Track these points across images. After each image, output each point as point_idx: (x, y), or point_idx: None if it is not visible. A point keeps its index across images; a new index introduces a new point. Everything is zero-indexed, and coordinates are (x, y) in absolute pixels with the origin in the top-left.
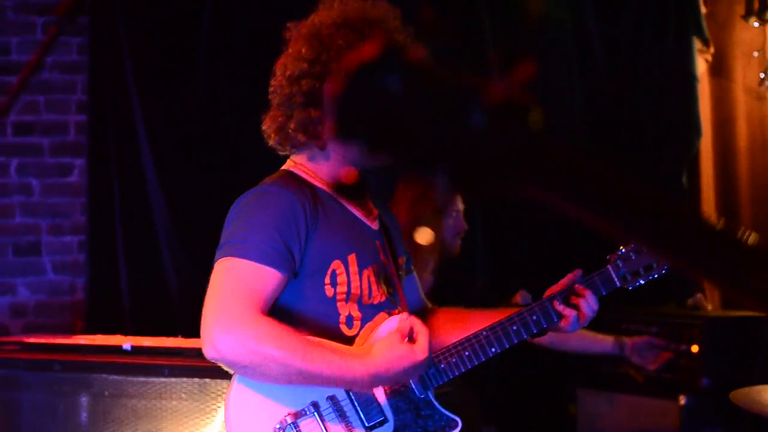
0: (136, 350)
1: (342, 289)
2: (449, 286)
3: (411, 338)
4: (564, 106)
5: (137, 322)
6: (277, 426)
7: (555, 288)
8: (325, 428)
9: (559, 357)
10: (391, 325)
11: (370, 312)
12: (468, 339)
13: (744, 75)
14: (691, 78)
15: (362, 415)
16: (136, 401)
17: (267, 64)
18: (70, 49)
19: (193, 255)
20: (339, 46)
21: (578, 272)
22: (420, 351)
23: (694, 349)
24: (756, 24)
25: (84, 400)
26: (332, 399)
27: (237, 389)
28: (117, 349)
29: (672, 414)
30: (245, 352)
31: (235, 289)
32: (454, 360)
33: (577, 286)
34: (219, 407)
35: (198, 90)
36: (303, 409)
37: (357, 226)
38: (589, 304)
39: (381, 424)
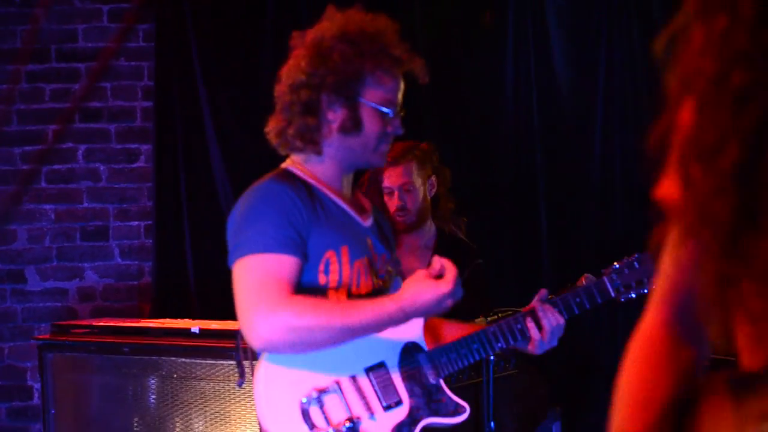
0: (204, 333)
1: (334, 277)
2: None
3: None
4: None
5: (204, 306)
6: (304, 400)
7: (527, 307)
8: (347, 404)
9: (623, 336)
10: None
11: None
12: (477, 333)
13: None
14: None
15: (380, 395)
16: (205, 384)
17: None
18: (136, 35)
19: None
20: (335, 60)
21: (544, 291)
22: (445, 283)
23: None
24: None
25: (152, 382)
26: (353, 378)
27: (266, 368)
28: (185, 332)
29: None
30: (290, 332)
31: (262, 281)
32: (464, 351)
33: (543, 304)
34: None
35: (264, 75)
36: (327, 386)
37: (350, 220)
38: (549, 320)
39: (397, 404)
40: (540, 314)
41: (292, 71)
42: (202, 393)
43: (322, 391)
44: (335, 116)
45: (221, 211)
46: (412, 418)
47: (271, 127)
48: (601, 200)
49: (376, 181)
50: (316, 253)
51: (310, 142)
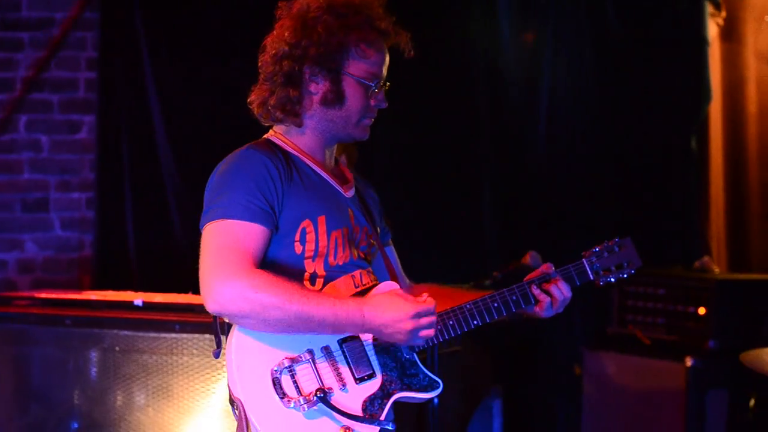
0: (148, 306)
1: (310, 247)
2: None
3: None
4: (575, 71)
5: (144, 279)
6: (275, 368)
7: (532, 275)
8: (318, 374)
9: (567, 318)
10: (388, 288)
11: (335, 271)
12: (453, 309)
13: (755, 39)
14: (702, 42)
15: (352, 367)
16: (147, 357)
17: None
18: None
19: (201, 212)
20: (319, 32)
21: (550, 265)
22: (413, 306)
23: (701, 311)
24: None
25: (94, 355)
26: (326, 349)
27: (238, 336)
28: (128, 305)
29: (678, 375)
30: (245, 302)
31: (228, 246)
32: (439, 327)
33: (551, 274)
34: None
35: (209, 46)
36: (299, 355)
37: (329, 190)
38: (561, 290)
39: (369, 377)
40: (548, 284)
41: (275, 41)
42: (144, 366)
43: (294, 361)
44: (317, 88)
45: (163, 184)
46: (384, 392)
47: (254, 98)
48: (545, 178)
49: None
50: (292, 222)
51: (291, 113)
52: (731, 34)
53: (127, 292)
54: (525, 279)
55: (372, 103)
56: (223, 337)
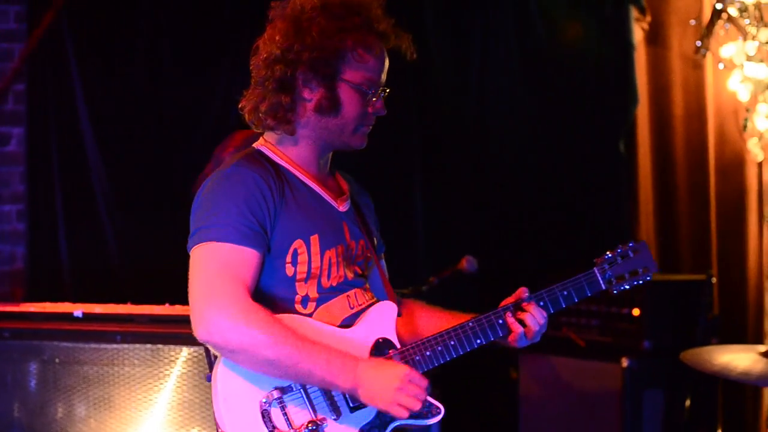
0: (87, 317)
1: (302, 269)
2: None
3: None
4: (503, 75)
5: (79, 291)
6: (264, 400)
7: (507, 301)
8: (311, 404)
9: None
10: (384, 309)
11: (328, 293)
12: (454, 329)
13: (680, 43)
14: (628, 46)
15: (347, 395)
16: (88, 368)
17: (206, 31)
18: (7, 17)
19: (134, 222)
20: (313, 36)
21: (525, 289)
22: (410, 381)
23: (636, 312)
24: None
25: (34, 367)
26: None
27: (225, 364)
28: (68, 316)
29: (614, 376)
30: (238, 336)
31: (222, 273)
32: (440, 348)
33: (524, 299)
34: (171, 373)
35: (138, 57)
36: (290, 385)
37: (323, 206)
38: (536, 318)
39: (365, 405)
40: (523, 312)
41: (267, 44)
42: (84, 377)
43: (284, 391)
44: (311, 95)
45: (95, 195)
46: (381, 420)
47: (245, 103)
48: (477, 183)
49: None
50: (283, 243)
51: (283, 121)
52: (656, 38)
53: (66, 304)
54: (500, 305)
55: (370, 110)
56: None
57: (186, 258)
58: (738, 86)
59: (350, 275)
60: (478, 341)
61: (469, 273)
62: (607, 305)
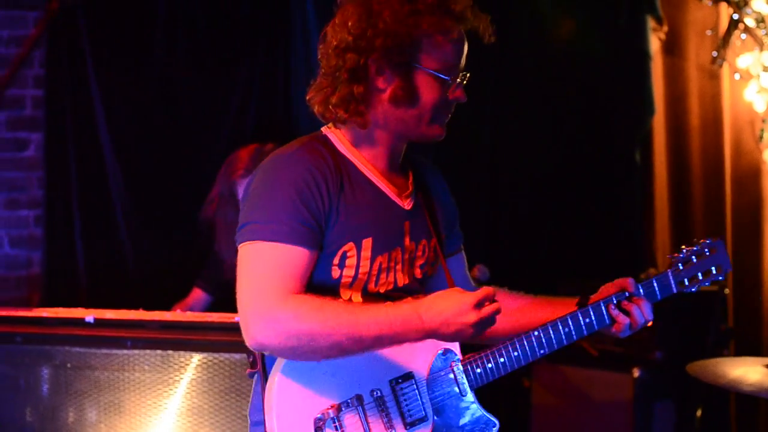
0: (99, 323)
1: (349, 272)
2: None
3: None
4: (518, 84)
5: (94, 296)
6: (319, 416)
7: (608, 289)
8: (367, 422)
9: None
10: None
11: (374, 298)
12: (519, 338)
13: (697, 53)
14: (644, 56)
15: (404, 411)
16: (99, 373)
17: (223, 37)
18: (26, 23)
19: (151, 228)
20: (386, 20)
21: (631, 280)
22: (473, 296)
23: (649, 322)
24: (709, 3)
25: (46, 372)
26: (377, 393)
27: (281, 378)
28: (79, 322)
29: (625, 387)
30: (288, 335)
31: (268, 275)
32: (503, 361)
33: (633, 292)
34: (181, 379)
35: (155, 63)
36: (346, 401)
37: (384, 205)
38: (642, 311)
39: (421, 421)
40: (627, 303)
41: (338, 30)
42: (95, 382)
43: (340, 408)
44: (385, 84)
45: (111, 201)
46: None
47: (314, 94)
48: (490, 191)
49: (232, 195)
50: (333, 244)
51: (355, 113)
52: (673, 48)
53: (78, 309)
54: (602, 294)
55: (450, 98)
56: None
57: (201, 265)
58: (754, 96)
59: (404, 281)
60: (566, 341)
61: (481, 281)
62: None
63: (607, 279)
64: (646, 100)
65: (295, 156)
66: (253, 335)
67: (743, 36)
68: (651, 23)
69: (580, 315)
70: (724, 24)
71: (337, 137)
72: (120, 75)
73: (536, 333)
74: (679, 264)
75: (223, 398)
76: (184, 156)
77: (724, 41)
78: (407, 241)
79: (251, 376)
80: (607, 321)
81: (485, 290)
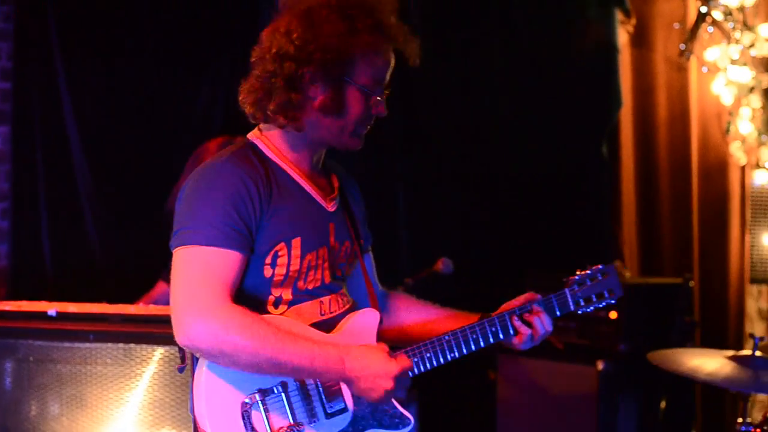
0: (62, 316)
1: (280, 271)
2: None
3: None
4: (486, 77)
5: (60, 289)
6: (246, 401)
7: (512, 303)
8: (291, 408)
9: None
10: (368, 318)
11: (303, 295)
12: (431, 341)
13: (664, 46)
14: (612, 49)
15: (325, 401)
16: (62, 366)
17: (192, 30)
18: None
19: (117, 221)
20: (326, 35)
21: (535, 295)
22: (398, 366)
23: (613, 315)
24: None
25: (8, 365)
26: (300, 382)
27: (209, 365)
28: (42, 315)
29: (590, 379)
30: (216, 342)
31: (202, 278)
32: (416, 360)
33: (534, 305)
34: (144, 372)
35: (124, 56)
36: (272, 388)
37: (311, 207)
38: (542, 323)
39: (341, 412)
40: (528, 314)
41: (278, 38)
42: (58, 376)
43: (266, 393)
44: (317, 94)
45: (78, 194)
46: (354, 428)
47: (246, 96)
48: (458, 185)
49: None
50: (265, 245)
51: (293, 119)
52: (641, 40)
53: (41, 303)
54: (505, 308)
55: (372, 112)
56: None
57: (167, 257)
58: (722, 90)
59: (328, 279)
60: (474, 346)
61: (445, 275)
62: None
63: (574, 271)
64: (614, 92)
65: (227, 164)
66: (185, 334)
67: (711, 29)
68: (619, 16)
69: (487, 324)
70: (691, 17)
71: (264, 143)
72: (88, 68)
73: (446, 337)
74: (575, 285)
75: (185, 392)
76: (152, 149)
77: (692, 34)
78: (332, 240)
79: (180, 370)
80: (511, 331)
81: (406, 363)
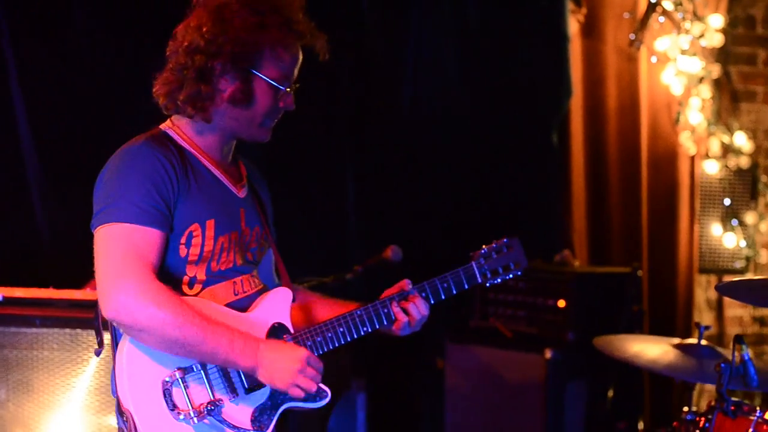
0: (8, 301)
1: (195, 251)
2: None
3: None
4: (437, 65)
5: (5, 273)
6: (167, 379)
7: (390, 291)
8: (210, 386)
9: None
10: (280, 295)
11: (216, 276)
12: (344, 316)
13: (615, 36)
14: (562, 38)
15: (243, 377)
16: (8, 352)
17: (143, 9)
18: None
19: (66, 205)
20: (236, 29)
21: (408, 281)
22: (310, 364)
23: (561, 304)
24: None
25: None
26: None
27: (131, 342)
28: None
29: (538, 367)
30: (145, 316)
31: (127, 253)
32: (330, 335)
33: (409, 291)
34: (90, 357)
35: (74, 37)
36: (191, 366)
37: (222, 192)
38: (418, 308)
39: (259, 387)
40: (406, 302)
41: (190, 32)
42: (4, 361)
43: (187, 371)
44: (226, 86)
45: (25, 176)
46: (273, 402)
47: (160, 87)
48: (408, 172)
49: None
50: (180, 225)
51: (201, 109)
52: (592, 30)
53: None
54: (383, 295)
55: (280, 105)
56: (106, 334)
57: None
58: (672, 79)
59: (240, 261)
60: (365, 329)
61: (394, 262)
62: (533, 296)
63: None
64: (564, 82)
65: (143, 147)
66: (113, 308)
67: (661, 19)
68: (570, 5)
69: (371, 309)
70: (642, 7)
71: (176, 132)
72: (39, 52)
73: (359, 312)
74: (481, 259)
75: None
76: (103, 134)
77: (642, 24)
78: (243, 225)
79: (97, 354)
80: (392, 317)
81: (312, 358)
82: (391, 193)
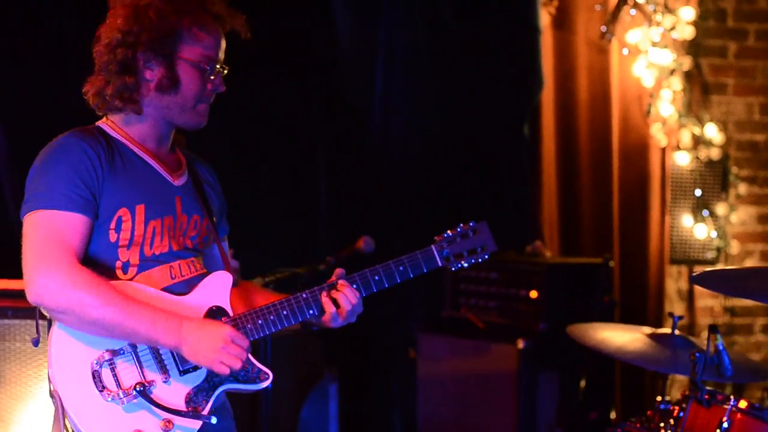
0: None
1: (125, 235)
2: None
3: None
4: (409, 57)
5: None
6: (95, 362)
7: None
8: (140, 366)
9: (402, 302)
10: (219, 279)
11: (150, 261)
12: (288, 299)
13: (586, 28)
14: (534, 31)
15: (177, 359)
16: None
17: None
18: None
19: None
20: (151, 17)
21: (341, 271)
22: (235, 340)
23: (533, 294)
24: None
25: None
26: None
27: (59, 327)
28: None
29: (510, 358)
30: (64, 298)
31: (50, 239)
32: (272, 317)
33: (339, 281)
34: None
35: (44, 42)
36: (120, 348)
37: (155, 179)
38: (347, 298)
39: (194, 369)
40: (336, 292)
41: (109, 30)
42: None
43: (116, 353)
44: (152, 74)
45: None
46: (210, 383)
47: (89, 88)
48: (381, 163)
49: None
50: (108, 210)
51: (129, 101)
52: (563, 23)
53: None
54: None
55: (209, 87)
56: (43, 324)
57: None
58: (643, 72)
59: (176, 247)
60: (293, 320)
61: (366, 253)
62: (505, 287)
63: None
64: (536, 74)
65: (69, 137)
66: (34, 291)
67: (632, 11)
68: None
69: (301, 298)
70: None
71: (109, 125)
72: (8, 51)
73: (287, 302)
74: (443, 242)
75: None
76: (69, 116)
77: (614, 16)
78: (179, 211)
79: (34, 343)
80: (322, 306)
81: (236, 335)
82: (363, 184)
